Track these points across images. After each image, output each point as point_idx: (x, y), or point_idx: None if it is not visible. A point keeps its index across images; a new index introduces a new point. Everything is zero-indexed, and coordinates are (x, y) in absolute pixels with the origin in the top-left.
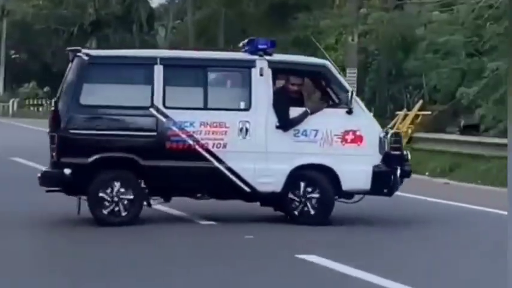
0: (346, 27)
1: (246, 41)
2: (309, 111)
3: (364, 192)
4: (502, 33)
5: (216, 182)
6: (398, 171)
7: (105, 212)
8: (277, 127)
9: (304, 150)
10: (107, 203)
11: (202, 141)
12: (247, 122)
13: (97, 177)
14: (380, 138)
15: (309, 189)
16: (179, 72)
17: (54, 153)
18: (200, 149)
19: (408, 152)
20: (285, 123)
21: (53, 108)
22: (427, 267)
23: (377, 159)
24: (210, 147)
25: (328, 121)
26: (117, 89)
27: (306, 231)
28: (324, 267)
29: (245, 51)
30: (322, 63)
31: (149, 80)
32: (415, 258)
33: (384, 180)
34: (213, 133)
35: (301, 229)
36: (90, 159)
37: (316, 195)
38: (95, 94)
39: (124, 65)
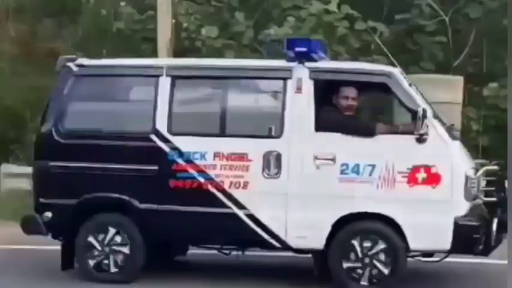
0: None
1: None
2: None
3: (443, 252)
4: None
5: (233, 232)
6: (495, 225)
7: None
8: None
9: (355, 194)
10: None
11: (217, 179)
12: (277, 153)
13: (83, 223)
14: (467, 178)
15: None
16: (191, 87)
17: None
18: (214, 190)
19: None
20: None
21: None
22: None
23: (462, 207)
24: (226, 187)
25: (390, 152)
26: (111, 110)
27: None
28: None
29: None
30: (385, 71)
31: (152, 98)
32: None
33: (471, 238)
34: (230, 168)
35: None
36: (76, 200)
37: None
38: (83, 116)
39: (122, 78)
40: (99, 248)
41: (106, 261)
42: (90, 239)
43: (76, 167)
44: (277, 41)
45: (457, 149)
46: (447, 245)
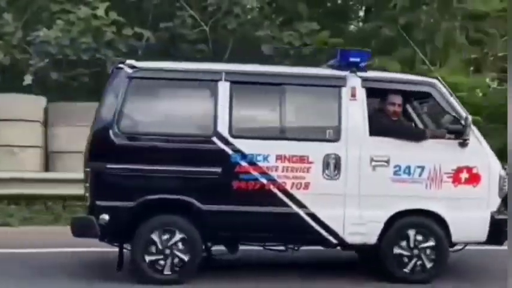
0: None
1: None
2: (428, 134)
3: (477, 243)
4: None
5: (293, 231)
6: None
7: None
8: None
9: (406, 193)
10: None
11: (279, 180)
12: (336, 156)
13: (141, 225)
14: (500, 177)
15: (420, 239)
16: (249, 92)
17: (87, 195)
18: (276, 190)
19: None
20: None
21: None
22: None
23: (496, 203)
24: (288, 187)
25: (437, 155)
26: (168, 113)
27: None
28: None
29: (331, 65)
30: (429, 81)
31: (211, 102)
32: None
33: (503, 230)
34: (292, 170)
35: None
36: (134, 202)
37: (430, 244)
38: (140, 118)
39: (178, 82)
40: (159, 249)
41: (163, 262)
42: (151, 238)
43: (135, 169)
44: (46, 42)
45: (490, 151)
46: (484, 237)
